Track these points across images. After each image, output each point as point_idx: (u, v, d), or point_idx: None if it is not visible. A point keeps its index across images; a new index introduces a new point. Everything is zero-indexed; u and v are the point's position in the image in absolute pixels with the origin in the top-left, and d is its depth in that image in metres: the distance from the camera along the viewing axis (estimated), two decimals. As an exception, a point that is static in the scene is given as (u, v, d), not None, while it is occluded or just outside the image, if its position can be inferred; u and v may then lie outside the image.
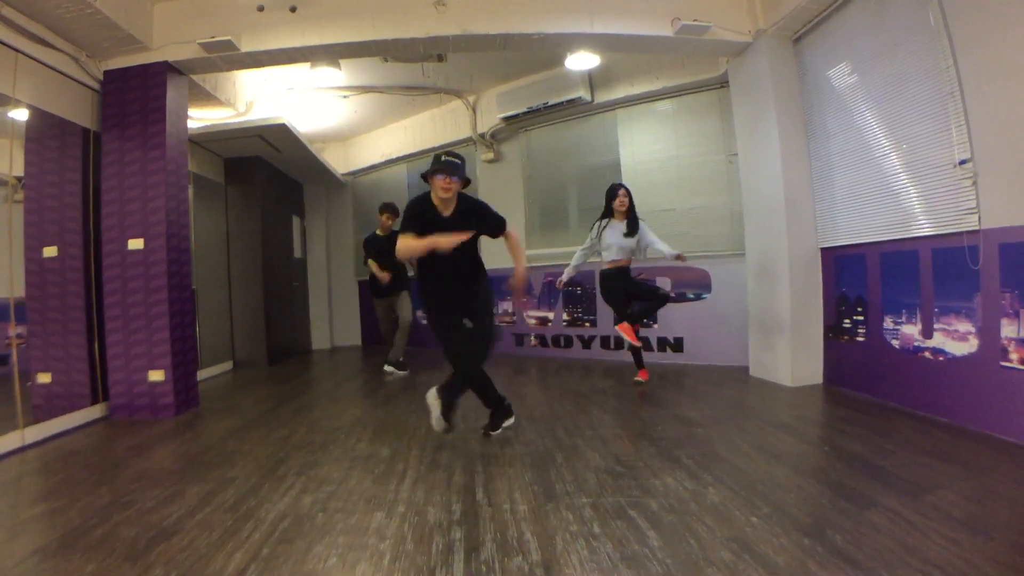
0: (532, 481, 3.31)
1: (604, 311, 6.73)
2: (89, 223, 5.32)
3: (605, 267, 5.87)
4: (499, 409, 4.32)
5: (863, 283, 5.01)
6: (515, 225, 4.31)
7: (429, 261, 3.86)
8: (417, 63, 7.36)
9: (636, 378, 6.01)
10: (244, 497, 3.22)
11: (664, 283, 7.21)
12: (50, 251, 5.10)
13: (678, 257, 5.61)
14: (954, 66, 3.92)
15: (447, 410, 3.96)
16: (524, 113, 8.05)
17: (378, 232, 7.27)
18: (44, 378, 5.07)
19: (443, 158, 3.83)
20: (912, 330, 4.48)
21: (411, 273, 6.44)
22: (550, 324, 8.41)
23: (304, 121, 9.09)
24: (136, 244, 5.31)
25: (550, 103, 7.75)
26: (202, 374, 7.16)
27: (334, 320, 11.34)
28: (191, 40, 5.34)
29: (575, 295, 8.07)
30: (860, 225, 5.00)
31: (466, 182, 3.92)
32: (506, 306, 8.87)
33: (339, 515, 2.93)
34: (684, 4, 5.51)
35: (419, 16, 5.39)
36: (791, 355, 5.55)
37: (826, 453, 3.62)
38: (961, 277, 3.99)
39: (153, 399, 5.31)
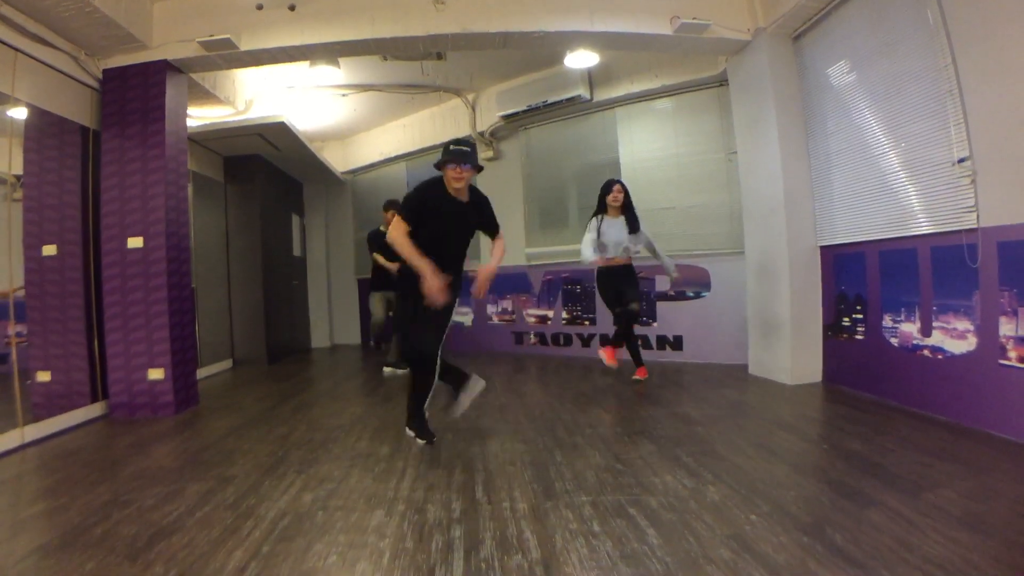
0: (532, 479, 3.31)
1: (604, 309, 6.72)
2: (88, 222, 5.32)
3: (601, 265, 5.83)
4: (420, 421, 4.15)
5: (862, 281, 5.01)
6: (506, 226, 4.27)
7: (429, 242, 3.82)
8: (416, 61, 7.35)
9: (635, 376, 6.00)
10: (244, 495, 3.22)
11: (663, 282, 7.22)
12: (49, 249, 5.10)
13: (674, 279, 5.86)
14: (953, 64, 3.92)
15: (422, 429, 4.11)
16: (523, 111, 8.04)
17: (382, 228, 7.26)
18: (43, 376, 5.07)
19: (452, 147, 3.82)
20: (911, 328, 4.49)
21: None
22: (549, 322, 8.41)
23: (303, 119, 9.09)
24: (136, 242, 5.31)
25: (549, 101, 7.75)
26: (202, 372, 7.17)
27: (334, 318, 11.34)
28: (190, 39, 5.33)
29: (574, 293, 8.07)
30: (859, 223, 5.00)
31: (477, 170, 3.91)
32: (506, 304, 8.88)
33: (339, 513, 2.93)
34: (683, 2, 5.51)
35: (418, 14, 5.38)
36: (790, 353, 5.55)
37: (825, 451, 3.62)
38: (960, 275, 3.99)
39: (153, 397, 5.31)
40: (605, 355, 5.94)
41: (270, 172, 9.37)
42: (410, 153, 9.97)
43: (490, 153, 8.95)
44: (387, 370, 7.23)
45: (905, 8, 4.32)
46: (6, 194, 4.81)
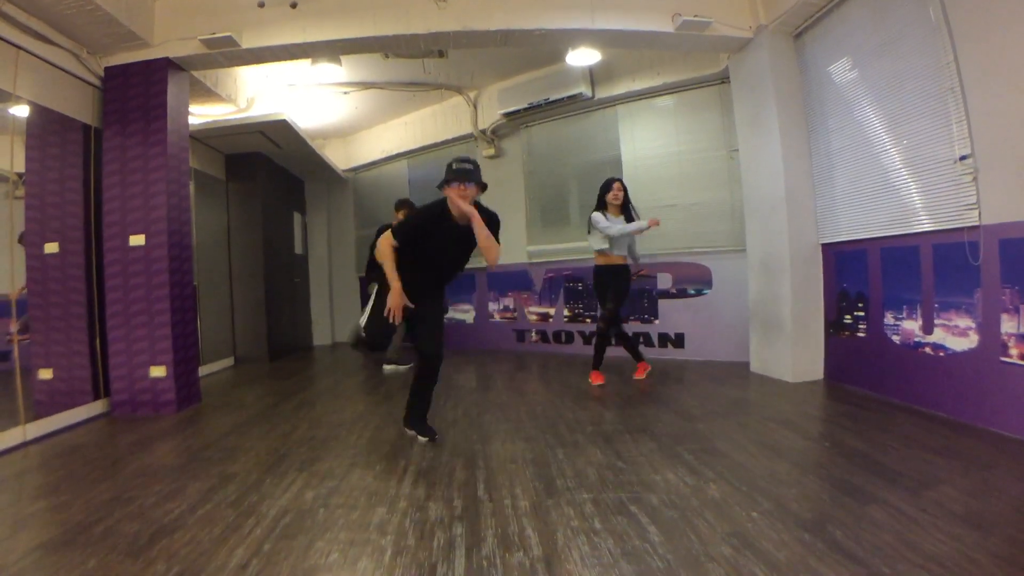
0: (533, 477, 3.31)
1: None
2: (90, 219, 5.33)
3: (599, 263, 5.80)
4: (420, 420, 4.20)
5: (864, 279, 5.01)
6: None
7: (420, 260, 3.82)
8: (418, 59, 7.35)
9: (635, 376, 6.00)
10: (246, 493, 3.23)
11: (665, 279, 7.23)
12: (51, 247, 5.11)
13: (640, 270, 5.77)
14: (955, 62, 3.91)
15: (422, 426, 4.15)
16: (525, 109, 8.04)
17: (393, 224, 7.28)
18: (45, 374, 5.08)
19: (455, 166, 3.72)
20: (913, 326, 4.48)
21: None
22: (551, 320, 8.41)
23: (305, 117, 9.10)
24: (137, 240, 5.31)
25: (551, 99, 7.75)
26: (203, 370, 7.17)
27: (335, 316, 11.35)
28: (192, 36, 5.33)
29: (576, 291, 8.07)
30: (861, 221, 5.00)
31: (482, 188, 3.82)
32: (507, 302, 8.88)
33: (341, 511, 2.94)
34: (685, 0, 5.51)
35: (420, 12, 5.38)
36: (792, 351, 5.55)
37: (827, 449, 3.62)
38: (961, 273, 3.99)
39: (155, 395, 5.32)
40: (593, 380, 5.85)
41: (272, 170, 9.37)
42: (412, 151, 9.98)
43: (491, 151, 8.96)
44: (388, 368, 7.23)
45: (906, 5, 4.31)
46: (8, 192, 4.81)
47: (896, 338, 4.66)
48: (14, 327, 4.70)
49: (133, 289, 5.31)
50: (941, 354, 4.21)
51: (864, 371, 5.04)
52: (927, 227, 4.29)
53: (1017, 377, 3.60)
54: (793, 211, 5.56)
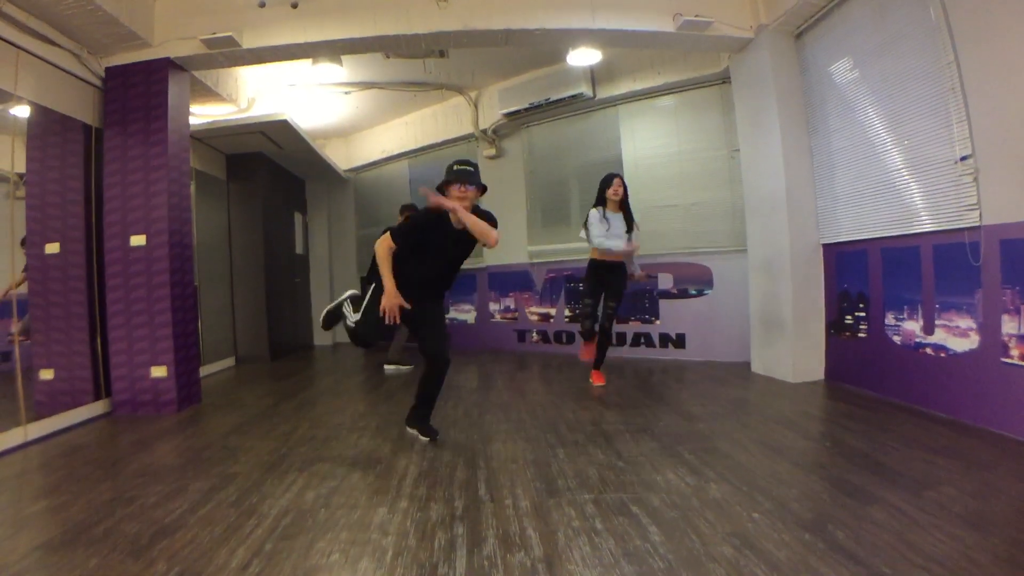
0: (534, 477, 3.31)
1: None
2: (91, 219, 5.33)
3: (596, 257, 5.69)
4: (423, 420, 4.17)
5: (864, 279, 5.01)
6: (501, 226, 4.19)
7: (420, 262, 3.82)
8: (419, 59, 7.35)
9: (592, 380, 5.89)
10: (246, 493, 3.23)
11: (666, 279, 7.23)
12: (52, 247, 5.11)
13: (638, 276, 5.81)
14: (955, 62, 3.92)
15: (425, 426, 4.14)
16: (526, 109, 8.04)
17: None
18: (46, 374, 5.09)
19: (455, 167, 3.74)
20: (913, 326, 4.48)
21: None
22: (552, 320, 8.41)
23: (306, 117, 9.10)
24: (138, 240, 5.31)
25: (552, 99, 7.75)
26: (204, 370, 7.17)
27: (336, 316, 11.32)
28: (193, 36, 5.34)
29: (577, 291, 8.06)
30: (862, 221, 5.00)
31: (482, 190, 3.82)
32: (508, 302, 8.88)
33: (341, 511, 2.94)
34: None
35: (421, 12, 5.38)
36: (793, 351, 5.55)
37: (827, 449, 3.62)
38: (962, 273, 3.99)
39: (156, 395, 5.32)
40: (595, 379, 5.86)
41: (272, 170, 9.38)
42: (412, 151, 9.98)
43: (492, 151, 8.96)
44: (389, 368, 7.23)
45: (907, 5, 4.31)
46: (9, 192, 4.82)
47: (897, 338, 4.66)
48: (15, 328, 4.71)
49: (134, 289, 5.31)
50: (942, 355, 4.21)
51: (865, 371, 5.04)
52: (928, 227, 4.29)
53: (1018, 378, 3.60)
54: (794, 211, 5.56)
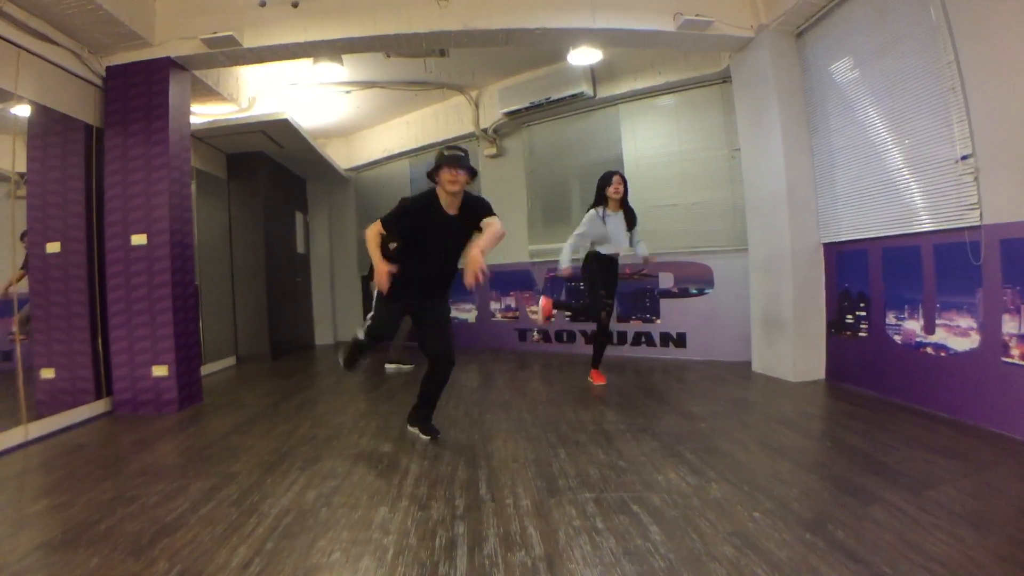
0: (535, 476, 3.31)
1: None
2: (92, 219, 5.33)
3: (592, 250, 5.68)
4: (424, 419, 4.19)
5: (865, 279, 5.01)
6: (509, 223, 4.19)
7: (419, 254, 3.82)
8: (419, 58, 7.36)
9: (591, 379, 5.89)
10: (248, 492, 3.23)
11: (667, 279, 7.22)
12: (53, 247, 5.11)
13: (646, 259, 5.72)
14: (956, 61, 3.91)
15: (427, 425, 4.16)
16: (526, 108, 8.04)
17: None
18: (48, 373, 5.09)
19: (445, 152, 3.74)
20: (914, 326, 4.48)
21: None
22: (553, 319, 8.40)
23: (307, 116, 9.10)
24: (139, 240, 5.31)
25: (552, 98, 7.75)
26: (205, 369, 7.17)
27: (337, 315, 11.36)
28: (193, 36, 5.34)
29: (578, 290, 8.06)
30: (862, 220, 5.00)
31: (473, 174, 3.80)
32: (509, 301, 8.88)
33: (343, 510, 2.94)
34: (686, -1, 5.51)
35: (421, 11, 5.38)
36: (793, 351, 5.55)
37: (828, 448, 3.63)
38: (963, 273, 3.99)
39: (157, 394, 5.33)
40: (595, 378, 5.86)
41: (273, 169, 9.38)
42: (413, 150, 9.98)
43: (493, 150, 8.97)
44: (390, 367, 7.24)
45: (908, 5, 4.31)
46: (10, 192, 4.82)
47: (897, 338, 4.66)
48: (16, 321, 4.71)
49: (135, 288, 5.31)
50: (942, 354, 4.21)
51: (865, 371, 5.04)
52: (928, 227, 4.29)
53: (1018, 377, 3.60)
54: (794, 210, 5.56)
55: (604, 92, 7.60)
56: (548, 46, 6.75)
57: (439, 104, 9.38)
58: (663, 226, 7.21)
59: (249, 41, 5.39)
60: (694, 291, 7.11)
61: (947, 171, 4.07)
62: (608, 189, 5.56)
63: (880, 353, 4.84)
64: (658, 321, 7.39)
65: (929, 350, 4.34)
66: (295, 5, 5.34)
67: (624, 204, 5.64)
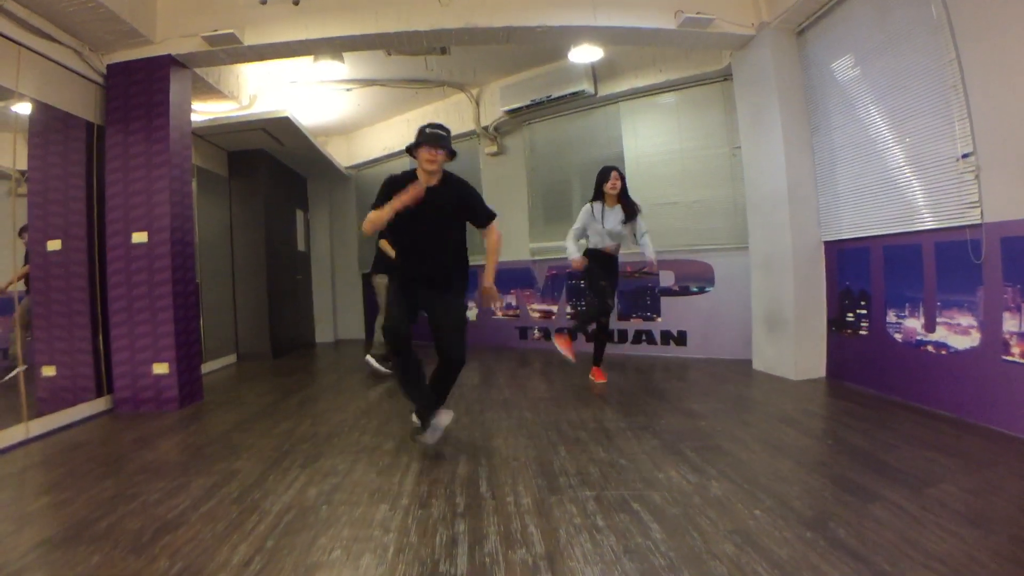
0: (536, 474, 3.32)
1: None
2: (93, 217, 5.33)
3: (590, 248, 5.67)
4: (427, 412, 3.75)
5: (866, 277, 5.01)
6: (503, 223, 4.16)
7: (405, 241, 3.81)
8: (420, 56, 7.35)
9: (591, 377, 5.85)
10: (249, 489, 3.24)
11: (667, 277, 7.22)
12: (54, 244, 5.11)
13: (649, 264, 5.65)
14: (957, 60, 3.91)
15: (424, 423, 4.00)
16: (527, 106, 8.03)
17: None
18: (49, 371, 5.09)
19: (427, 130, 3.74)
20: (915, 324, 4.48)
21: None
22: (554, 317, 8.41)
23: (307, 114, 9.09)
24: (140, 237, 5.32)
25: (553, 96, 7.74)
26: (206, 367, 7.18)
27: (338, 313, 11.37)
28: (194, 34, 5.33)
29: (579, 288, 8.07)
30: (863, 218, 4.99)
31: (452, 155, 3.79)
32: (510, 299, 8.88)
33: (343, 507, 2.94)
34: (687, -3, 5.50)
35: (422, 9, 5.38)
36: (794, 349, 5.55)
37: (829, 446, 3.63)
38: (963, 271, 3.99)
39: (157, 392, 5.33)
40: (561, 345, 5.74)
41: (274, 167, 9.38)
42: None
43: (494, 148, 8.97)
44: (369, 359, 6.91)
45: (909, 3, 4.31)
46: (11, 189, 4.82)
47: (898, 336, 4.66)
48: (16, 315, 4.71)
49: (136, 286, 5.32)
50: (943, 352, 4.21)
51: (866, 369, 5.04)
52: (929, 225, 4.29)
53: (1018, 375, 3.60)
54: (795, 208, 5.55)
55: (605, 90, 7.60)
56: (549, 44, 6.75)
57: (440, 102, 9.37)
58: (664, 224, 7.20)
59: (250, 39, 5.39)
60: (695, 289, 7.11)
61: (948, 169, 4.06)
62: (605, 185, 5.52)
63: (881, 351, 4.84)
64: (659, 319, 7.39)
65: (930, 348, 4.34)
66: (296, 3, 5.34)
67: (623, 199, 5.57)
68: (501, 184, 8.92)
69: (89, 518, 2.88)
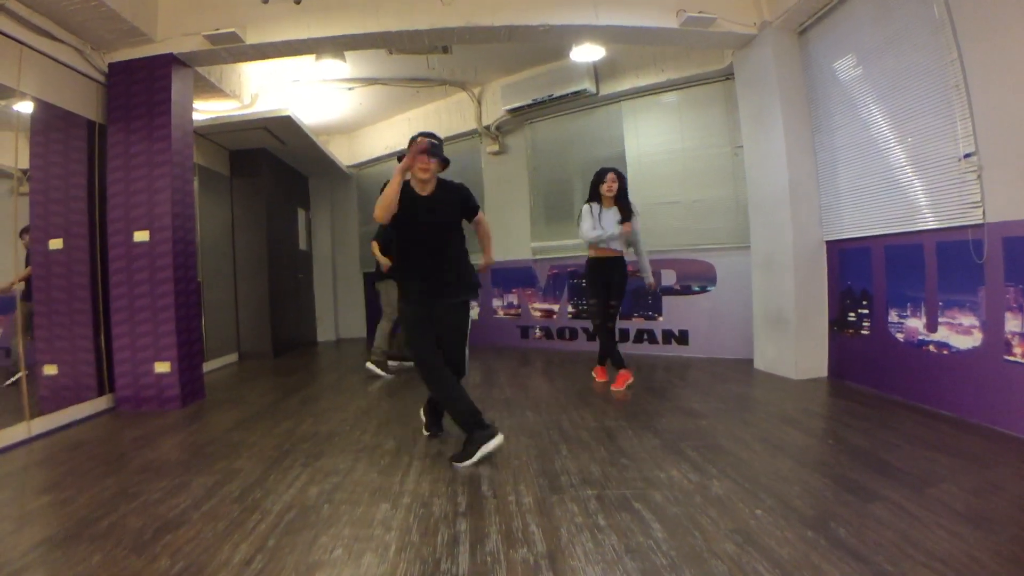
0: (537, 473, 3.32)
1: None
2: (95, 215, 5.34)
3: (591, 255, 5.58)
4: (474, 428, 3.56)
5: (868, 276, 5.01)
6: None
7: (410, 253, 3.77)
8: (422, 55, 7.35)
9: (610, 383, 5.59)
10: (250, 488, 3.24)
11: (669, 276, 7.22)
12: (56, 243, 5.12)
13: (649, 284, 5.67)
14: (959, 59, 3.90)
15: (429, 420, 4.15)
16: (529, 105, 8.02)
17: None
18: (50, 370, 5.09)
19: (418, 139, 3.67)
20: (916, 324, 4.48)
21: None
22: (555, 316, 8.41)
23: (309, 113, 9.10)
24: (142, 236, 5.32)
25: (555, 95, 7.73)
26: (208, 366, 7.19)
27: (339, 312, 11.37)
28: (196, 32, 5.34)
29: (580, 287, 8.06)
30: (865, 218, 4.99)
31: (444, 163, 3.77)
32: (511, 298, 8.88)
33: (345, 506, 2.95)
34: (689, -5, 5.50)
35: (423, 8, 5.37)
36: (796, 348, 5.55)
37: (830, 446, 3.63)
38: (965, 271, 3.98)
39: (159, 391, 5.34)
40: (598, 375, 5.84)
41: (276, 166, 9.39)
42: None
43: (495, 147, 8.96)
44: (370, 366, 6.85)
45: (911, 3, 4.30)
46: (13, 188, 4.82)
47: (900, 336, 4.66)
48: (18, 315, 4.71)
49: (137, 285, 5.32)
50: (945, 352, 4.21)
51: (868, 369, 5.04)
52: (931, 225, 4.28)
53: (1020, 376, 3.60)
54: (797, 208, 5.55)
55: (607, 89, 7.59)
56: (551, 43, 6.74)
57: (441, 101, 9.37)
58: (665, 223, 7.21)
59: (252, 37, 5.39)
60: (696, 288, 7.11)
61: (950, 169, 4.06)
62: (602, 187, 5.42)
63: (882, 351, 4.84)
64: (661, 318, 7.39)
65: (931, 348, 4.33)
66: (298, 2, 5.34)
67: (620, 200, 5.47)
68: (503, 183, 8.92)
69: (90, 517, 2.88)
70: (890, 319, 4.75)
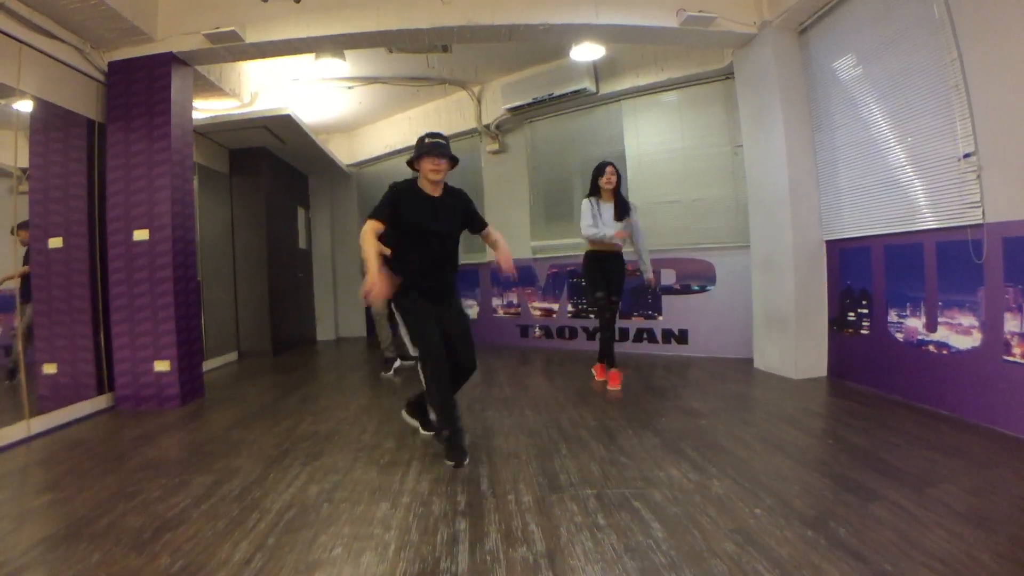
0: (537, 472, 3.32)
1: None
2: (94, 214, 5.33)
3: (590, 248, 5.60)
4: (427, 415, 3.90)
5: (867, 276, 5.01)
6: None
7: (415, 257, 3.77)
8: (422, 54, 7.35)
9: (600, 378, 5.73)
10: (249, 487, 3.24)
11: (668, 275, 7.22)
12: (55, 242, 5.11)
13: (648, 280, 5.67)
14: (959, 59, 3.90)
15: (426, 419, 4.08)
16: (529, 104, 8.01)
17: None
18: (50, 368, 5.09)
19: (427, 140, 3.71)
20: (916, 323, 4.48)
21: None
22: (555, 316, 8.41)
23: (309, 112, 9.10)
24: (141, 235, 5.32)
25: (555, 94, 7.73)
26: (207, 364, 7.19)
27: (339, 311, 11.37)
28: (196, 31, 5.33)
29: (580, 286, 8.06)
30: (865, 218, 4.99)
31: (454, 162, 3.77)
32: (511, 297, 8.88)
33: (344, 505, 2.95)
34: (689, -5, 5.50)
35: (424, 7, 5.37)
36: (795, 348, 5.55)
37: (830, 446, 3.63)
38: (965, 271, 3.98)
39: (159, 389, 5.34)
40: (597, 373, 5.82)
41: (275, 165, 9.39)
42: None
43: (495, 146, 8.96)
44: (394, 365, 6.90)
45: (911, 2, 4.30)
46: (12, 187, 4.82)
47: (899, 335, 4.66)
48: (18, 322, 4.72)
49: (137, 284, 5.32)
50: (944, 352, 4.21)
51: (867, 368, 5.04)
52: (931, 225, 4.28)
53: (1019, 376, 3.60)
54: (797, 207, 5.55)
55: (607, 88, 7.59)
56: (551, 42, 6.74)
57: (441, 100, 9.37)
58: (665, 223, 7.20)
59: (251, 36, 5.39)
60: (696, 288, 7.11)
61: (949, 169, 4.06)
62: (600, 179, 5.49)
63: (882, 351, 4.84)
64: (660, 318, 7.39)
65: (931, 348, 4.34)
66: (297, 0, 5.34)
67: (616, 195, 5.55)
68: (502, 182, 8.92)
69: (90, 516, 2.88)
70: (890, 319, 4.76)
